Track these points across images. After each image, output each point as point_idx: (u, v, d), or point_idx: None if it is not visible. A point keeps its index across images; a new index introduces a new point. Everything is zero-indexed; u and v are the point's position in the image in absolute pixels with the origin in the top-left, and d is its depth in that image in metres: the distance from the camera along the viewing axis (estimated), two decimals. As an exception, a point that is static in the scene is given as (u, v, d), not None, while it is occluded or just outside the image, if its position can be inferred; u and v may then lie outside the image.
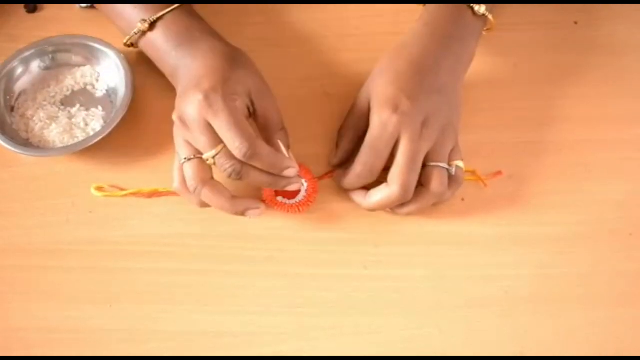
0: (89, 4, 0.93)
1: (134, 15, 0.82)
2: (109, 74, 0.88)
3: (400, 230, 0.80)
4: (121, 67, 0.86)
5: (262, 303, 0.76)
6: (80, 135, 0.84)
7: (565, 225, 0.80)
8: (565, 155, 0.85)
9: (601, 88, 0.90)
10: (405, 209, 0.78)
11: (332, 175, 0.82)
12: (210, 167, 0.75)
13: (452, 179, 0.77)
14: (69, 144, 0.83)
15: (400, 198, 0.75)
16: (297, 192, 0.80)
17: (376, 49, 0.85)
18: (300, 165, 0.79)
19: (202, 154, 0.73)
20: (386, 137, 0.74)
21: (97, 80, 0.89)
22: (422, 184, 0.76)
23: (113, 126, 0.82)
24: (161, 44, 0.81)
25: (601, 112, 0.88)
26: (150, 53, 0.83)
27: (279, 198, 0.80)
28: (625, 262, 0.78)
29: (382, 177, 0.76)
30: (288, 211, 0.80)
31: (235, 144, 0.71)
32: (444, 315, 0.75)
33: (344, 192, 0.81)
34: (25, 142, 0.84)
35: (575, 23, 0.95)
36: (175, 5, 0.82)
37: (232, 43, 0.80)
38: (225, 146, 0.72)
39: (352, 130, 0.80)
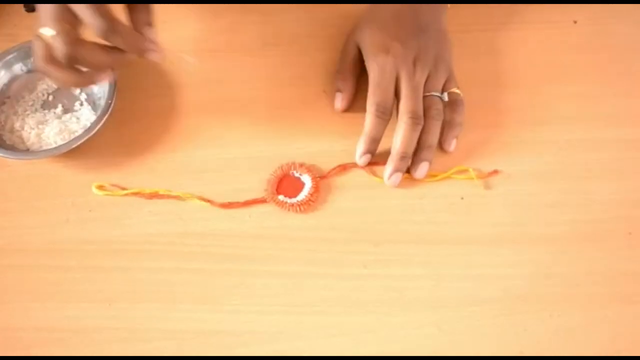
0: None
1: None
2: None
3: (399, 230, 0.80)
4: None
5: (260, 302, 0.76)
6: (78, 129, 0.85)
7: (564, 224, 0.80)
8: (564, 155, 0.85)
9: (601, 87, 0.90)
10: (425, 150, 0.83)
11: (332, 175, 0.83)
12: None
13: (455, 104, 0.85)
14: (69, 139, 0.83)
15: (415, 124, 0.81)
16: (299, 190, 0.80)
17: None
18: (301, 165, 0.80)
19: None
20: (387, 77, 0.82)
21: None
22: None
23: (106, 116, 0.82)
24: None
25: (600, 111, 0.88)
26: None
27: (280, 197, 0.80)
28: (624, 262, 0.78)
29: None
30: (289, 210, 0.80)
31: (94, 21, 0.69)
32: (443, 314, 0.75)
33: (343, 191, 0.82)
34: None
35: (575, 22, 0.96)
36: None
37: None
38: (66, 27, 0.70)
39: (351, 74, 0.88)
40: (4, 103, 0.88)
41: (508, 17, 0.95)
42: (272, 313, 0.75)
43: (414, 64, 0.83)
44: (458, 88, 0.85)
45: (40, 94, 0.88)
